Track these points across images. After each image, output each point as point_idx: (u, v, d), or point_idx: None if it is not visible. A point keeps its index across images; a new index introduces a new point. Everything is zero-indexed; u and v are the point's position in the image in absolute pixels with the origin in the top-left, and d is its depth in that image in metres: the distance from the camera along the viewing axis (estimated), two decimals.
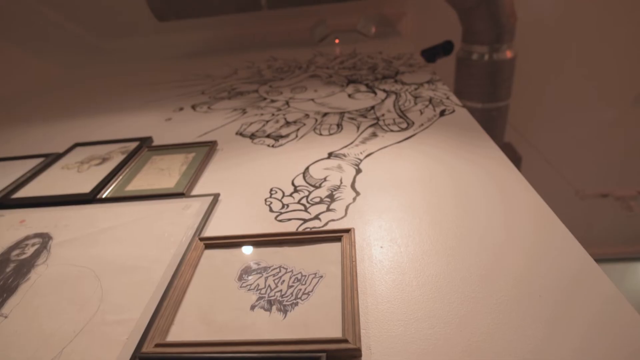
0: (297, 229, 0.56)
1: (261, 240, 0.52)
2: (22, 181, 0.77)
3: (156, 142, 0.90)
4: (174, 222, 0.60)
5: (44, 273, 0.53)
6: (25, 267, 0.55)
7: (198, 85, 1.29)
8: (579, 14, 1.89)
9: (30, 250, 0.58)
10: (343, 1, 1.55)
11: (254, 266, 0.49)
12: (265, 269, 0.48)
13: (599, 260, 0.45)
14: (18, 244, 0.60)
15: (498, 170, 0.65)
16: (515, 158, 1.87)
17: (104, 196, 0.70)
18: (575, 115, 2.08)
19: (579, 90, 2.04)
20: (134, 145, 0.87)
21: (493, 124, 1.78)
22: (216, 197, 0.65)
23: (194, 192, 0.69)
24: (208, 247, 0.53)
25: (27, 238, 0.61)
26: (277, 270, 0.48)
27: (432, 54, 1.53)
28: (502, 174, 0.64)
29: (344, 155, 0.74)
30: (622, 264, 2.51)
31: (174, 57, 1.75)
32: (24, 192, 0.74)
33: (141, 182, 0.73)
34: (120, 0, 1.86)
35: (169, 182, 0.72)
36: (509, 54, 1.62)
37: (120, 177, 0.75)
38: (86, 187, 0.72)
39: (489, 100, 1.71)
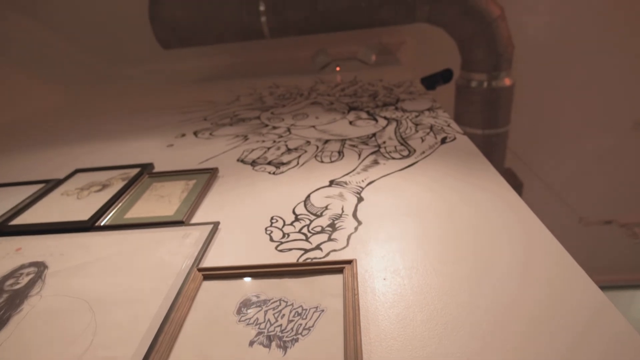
0: (297, 260, 0.54)
1: (261, 272, 0.51)
2: (21, 208, 0.77)
3: (157, 169, 0.90)
4: (173, 251, 0.59)
5: (37, 304, 0.51)
6: (18, 298, 0.53)
7: (200, 111, 1.30)
8: (576, 41, 1.93)
9: (24, 280, 0.57)
10: (344, 30, 1.59)
11: (254, 299, 0.48)
12: (264, 302, 0.47)
13: (604, 287, 0.44)
14: (13, 273, 0.59)
15: (501, 199, 0.64)
16: (517, 184, 1.87)
17: (102, 224, 0.69)
18: (576, 141, 2.09)
19: (578, 116, 2.06)
20: (134, 171, 0.87)
21: (493, 150, 1.78)
22: (216, 225, 0.64)
23: (193, 220, 0.68)
24: (207, 278, 0.52)
25: (22, 267, 0.60)
26: (277, 303, 0.47)
27: (432, 82, 1.55)
28: (505, 203, 0.63)
29: (346, 183, 0.73)
30: (628, 291, 2.46)
31: (178, 84, 1.78)
32: (22, 219, 0.73)
33: (141, 209, 0.72)
34: (126, 28, 1.91)
35: (168, 209, 0.71)
36: (507, 82, 1.64)
37: (120, 205, 0.74)
38: (85, 215, 0.71)
39: (488, 127, 1.72)
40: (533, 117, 2.03)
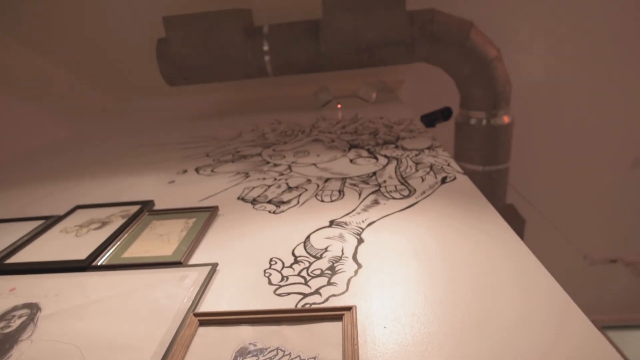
0: (296, 305, 0.53)
1: (258, 318, 0.50)
2: (19, 245, 0.76)
3: (158, 206, 0.90)
4: (169, 294, 0.58)
5: (27, 350, 0.50)
6: (8, 343, 0.52)
7: (203, 147, 1.32)
8: (573, 79, 1.97)
9: (16, 323, 0.55)
10: (345, 70, 1.63)
11: (251, 347, 0.46)
12: (261, 350, 0.45)
13: (610, 327, 0.42)
14: (4, 316, 0.57)
15: (503, 243, 0.63)
16: (519, 221, 1.86)
17: (99, 263, 0.68)
18: (577, 178, 2.10)
19: (579, 153, 2.07)
20: (135, 208, 0.87)
21: (494, 186, 1.79)
22: (214, 267, 0.63)
23: (192, 261, 0.67)
24: (202, 323, 0.51)
25: (15, 309, 0.59)
26: (275, 352, 0.45)
27: (431, 120, 1.58)
28: (507, 247, 0.62)
29: (346, 223, 0.73)
30: (636, 331, 2.39)
31: (181, 119, 1.81)
32: (18, 257, 0.73)
33: (139, 248, 0.72)
34: (132, 65, 1.97)
35: (167, 249, 0.70)
36: (506, 119, 1.67)
37: (119, 243, 0.74)
38: (82, 253, 0.70)
39: (489, 163, 1.73)
40: (533, 153, 2.05)
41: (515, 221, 1.90)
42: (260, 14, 1.68)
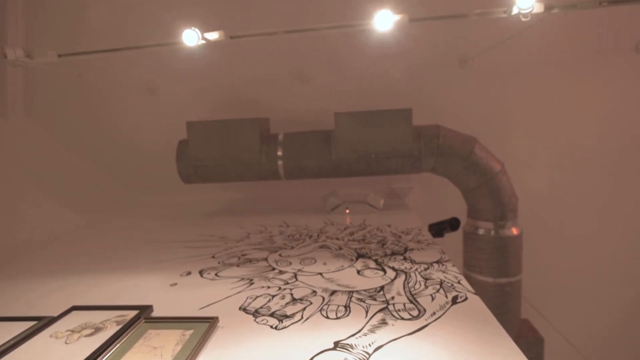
0: None
1: None
2: (2, 351, 0.72)
3: (157, 311, 0.87)
4: None
5: None
6: None
7: (210, 247, 1.31)
8: (580, 192, 1.99)
9: None
10: (354, 176, 1.69)
11: None
12: None
13: None
14: None
15: None
16: (537, 339, 1.73)
17: None
18: (597, 293, 2.00)
19: (593, 266, 2.01)
20: (132, 314, 0.84)
21: (508, 300, 1.70)
22: None
23: None
24: None
25: None
26: None
27: (439, 229, 1.58)
28: None
29: (351, 346, 0.68)
30: None
31: (192, 215, 1.84)
32: None
33: None
34: (150, 161, 2.06)
35: None
36: (514, 231, 1.66)
37: (108, 355, 0.69)
38: None
39: (500, 275, 1.68)
40: (547, 266, 1.99)
41: (532, 339, 1.76)
42: (277, 123, 1.82)
